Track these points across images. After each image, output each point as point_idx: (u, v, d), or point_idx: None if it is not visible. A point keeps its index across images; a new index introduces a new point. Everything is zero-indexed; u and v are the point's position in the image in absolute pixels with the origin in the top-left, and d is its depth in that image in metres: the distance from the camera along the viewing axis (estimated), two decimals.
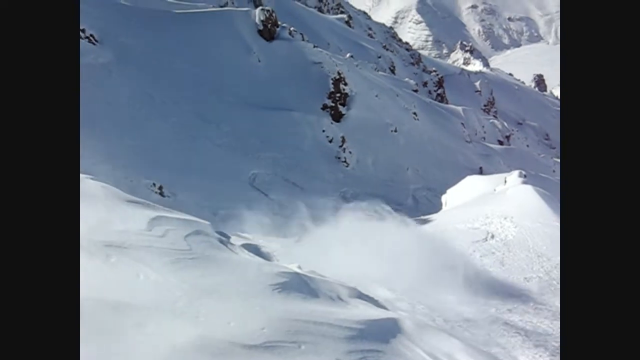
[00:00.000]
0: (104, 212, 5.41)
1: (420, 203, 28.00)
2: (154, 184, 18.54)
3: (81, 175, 6.62)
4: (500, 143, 50.99)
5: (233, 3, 51.62)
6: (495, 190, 19.57)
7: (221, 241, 5.61)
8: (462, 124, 44.09)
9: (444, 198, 23.64)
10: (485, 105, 73.19)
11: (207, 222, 6.05)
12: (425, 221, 18.87)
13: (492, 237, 14.77)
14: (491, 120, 56.23)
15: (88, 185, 6.16)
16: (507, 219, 15.72)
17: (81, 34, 25.19)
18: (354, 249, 11.26)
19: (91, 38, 25.75)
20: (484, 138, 48.13)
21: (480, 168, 36.60)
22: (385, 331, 4.49)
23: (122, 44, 27.22)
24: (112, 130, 21.20)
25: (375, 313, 5.02)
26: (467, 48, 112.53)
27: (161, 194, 18.44)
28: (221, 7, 43.51)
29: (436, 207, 24.42)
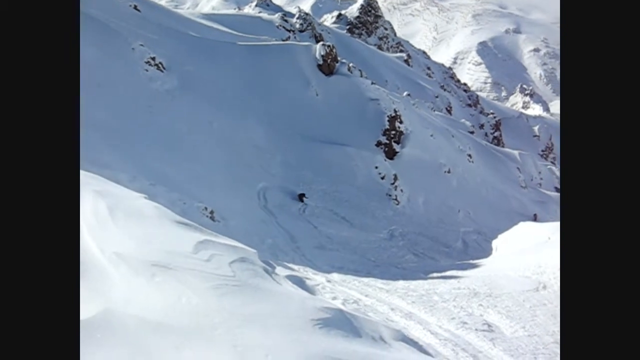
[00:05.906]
0: (153, 231, 5.50)
1: (469, 247, 27.26)
2: (206, 208, 18.81)
3: (136, 194, 6.78)
4: (558, 190, 49.39)
5: (295, 38, 52.88)
6: (549, 238, 18.86)
7: (266, 270, 5.57)
8: (517, 168, 43.09)
9: (494, 243, 23.01)
10: (543, 151, 71.48)
11: (253, 250, 6.04)
12: (475, 266, 18.36)
13: (544, 287, 14.18)
14: (549, 166, 54.71)
15: (141, 203, 6.29)
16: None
17: (151, 61, 26.40)
18: None
19: (160, 65, 26.90)
20: (540, 184, 46.77)
21: (535, 215, 35.46)
22: None
23: (186, 72, 28.22)
24: (170, 153, 21.82)
25: (418, 358, 4.82)
26: (527, 92, 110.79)
27: (212, 218, 18.68)
28: (283, 41, 44.65)
29: (486, 252, 23.74)
